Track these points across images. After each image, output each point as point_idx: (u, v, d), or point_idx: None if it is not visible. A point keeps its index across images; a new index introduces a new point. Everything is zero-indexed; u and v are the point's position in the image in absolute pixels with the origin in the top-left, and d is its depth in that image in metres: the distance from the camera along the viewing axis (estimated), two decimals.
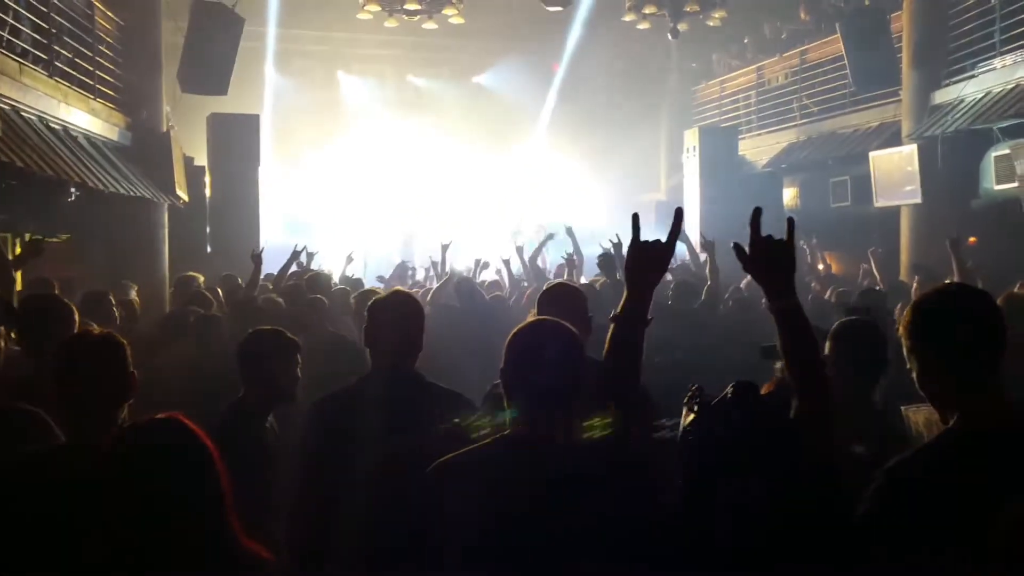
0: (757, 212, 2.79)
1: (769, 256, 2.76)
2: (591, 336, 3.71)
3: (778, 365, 4.03)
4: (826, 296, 9.17)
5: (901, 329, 2.62)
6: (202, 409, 3.41)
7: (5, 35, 9.07)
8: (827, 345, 3.79)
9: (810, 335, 2.73)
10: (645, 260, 2.98)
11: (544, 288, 4.40)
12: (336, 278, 11.24)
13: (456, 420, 3.39)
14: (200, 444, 2.54)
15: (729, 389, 2.67)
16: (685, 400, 2.79)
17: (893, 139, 13.63)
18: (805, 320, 2.74)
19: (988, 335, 2.52)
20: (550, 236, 11.58)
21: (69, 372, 3.16)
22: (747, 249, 2.81)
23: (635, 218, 3.03)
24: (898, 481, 2.46)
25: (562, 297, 4.12)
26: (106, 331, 3.38)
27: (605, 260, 8.36)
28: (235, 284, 9.29)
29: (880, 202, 13.43)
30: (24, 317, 4.45)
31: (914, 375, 2.59)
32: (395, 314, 3.90)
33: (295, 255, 10.05)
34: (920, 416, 2.64)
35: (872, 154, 13.55)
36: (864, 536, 2.45)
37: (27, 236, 9.62)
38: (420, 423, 3.59)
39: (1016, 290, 6.89)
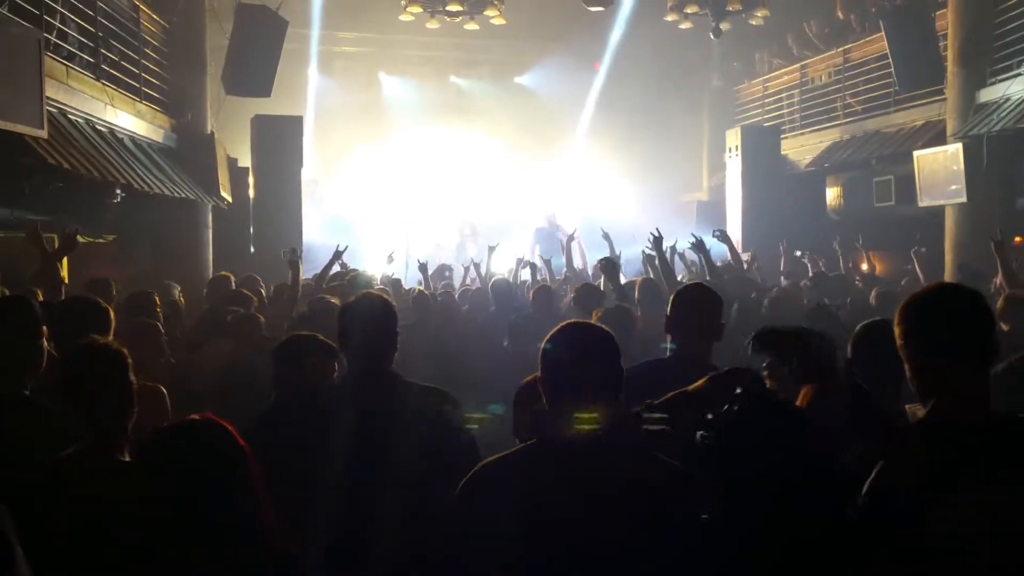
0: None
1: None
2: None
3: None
4: (870, 298, 9.06)
5: (895, 328, 2.68)
6: (238, 407, 3.45)
7: (52, 38, 9.21)
8: (848, 349, 3.79)
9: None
10: None
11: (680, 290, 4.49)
12: (378, 278, 11.30)
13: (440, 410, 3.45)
14: (235, 444, 2.57)
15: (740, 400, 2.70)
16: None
17: (938, 138, 13.46)
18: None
19: (972, 333, 2.57)
20: (493, 248, 11.56)
21: (73, 381, 3.25)
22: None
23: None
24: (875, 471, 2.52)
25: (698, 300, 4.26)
26: (107, 340, 3.44)
27: (607, 265, 8.28)
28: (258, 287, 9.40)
29: (925, 202, 13.28)
30: (60, 318, 4.51)
31: (907, 372, 2.65)
32: (366, 316, 3.95)
33: (337, 255, 10.10)
34: (923, 414, 2.71)
35: (916, 153, 13.40)
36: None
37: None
38: (398, 421, 3.65)
39: None
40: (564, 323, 2.99)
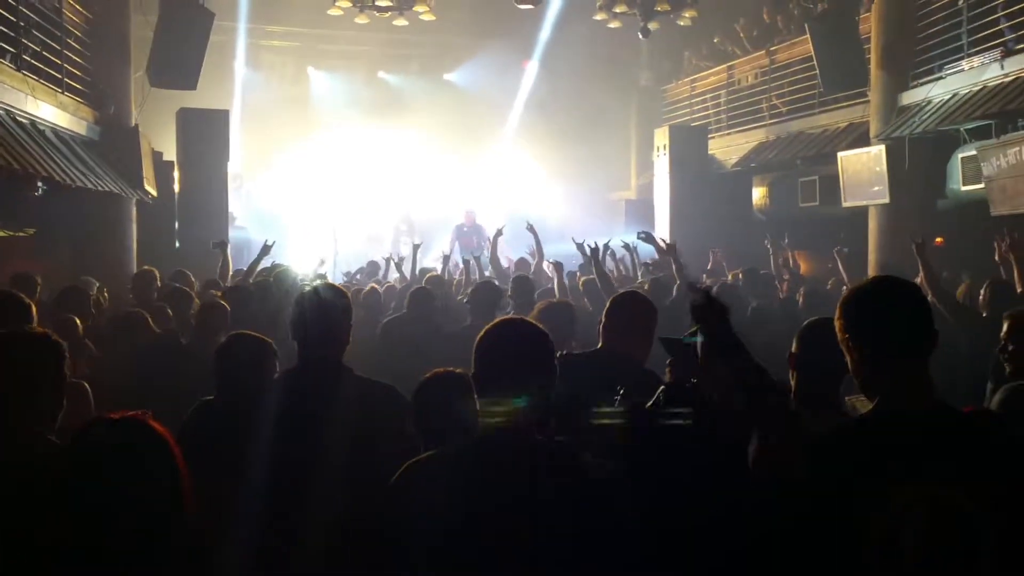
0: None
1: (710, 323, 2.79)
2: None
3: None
4: (798, 297, 9.21)
5: (835, 322, 2.72)
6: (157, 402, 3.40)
7: None
8: (793, 344, 3.83)
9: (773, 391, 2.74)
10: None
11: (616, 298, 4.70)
12: (308, 275, 11.18)
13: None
14: (162, 442, 2.52)
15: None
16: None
17: (861, 140, 13.74)
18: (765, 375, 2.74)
19: (913, 327, 2.63)
20: (417, 246, 11.59)
21: (7, 368, 3.17)
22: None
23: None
24: (811, 455, 2.58)
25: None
26: (42, 330, 3.37)
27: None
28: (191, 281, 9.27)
29: (848, 202, 13.53)
30: None
31: (849, 365, 2.70)
32: (321, 307, 3.95)
33: (265, 250, 10.00)
34: (865, 405, 2.76)
35: (840, 154, 13.65)
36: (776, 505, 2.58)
37: None
38: (348, 412, 3.68)
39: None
40: (499, 319, 3.00)
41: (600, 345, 4.51)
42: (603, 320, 4.52)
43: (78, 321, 6.20)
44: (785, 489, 2.58)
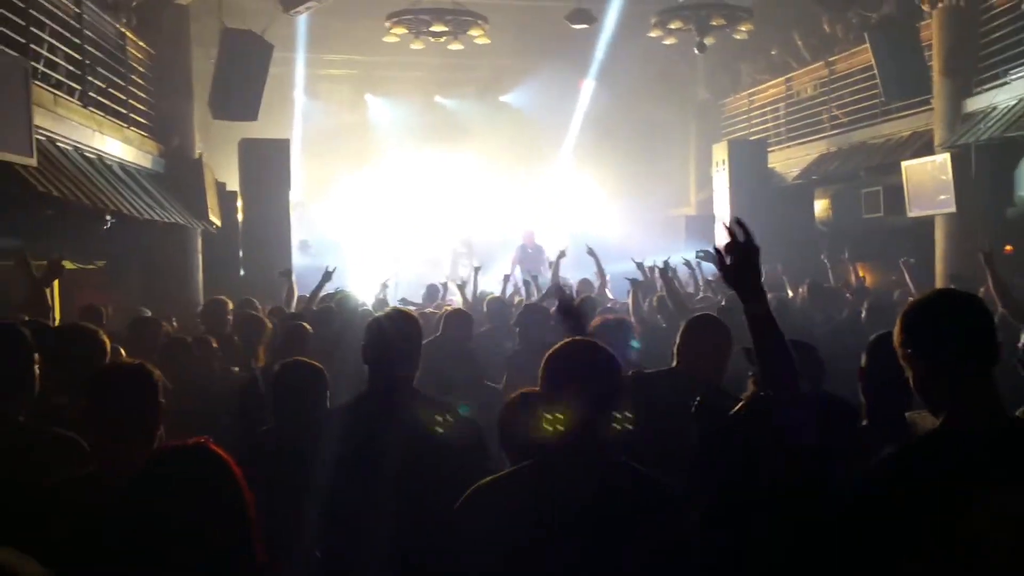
0: (736, 221, 3.00)
1: (740, 262, 2.95)
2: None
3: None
4: (862, 311, 9.07)
5: (895, 336, 2.67)
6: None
7: (40, 67, 9.19)
8: (862, 359, 3.78)
9: (778, 335, 2.93)
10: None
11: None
12: (370, 301, 11.24)
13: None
14: (227, 471, 2.53)
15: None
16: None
17: (925, 148, 13.53)
18: (774, 323, 2.96)
19: (975, 340, 2.57)
20: (478, 268, 11.59)
21: (99, 402, 3.20)
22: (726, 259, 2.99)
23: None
24: (874, 476, 2.57)
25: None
26: (138, 361, 3.40)
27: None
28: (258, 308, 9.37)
29: (913, 212, 13.33)
30: (56, 347, 4.48)
31: (911, 381, 2.65)
32: (394, 332, 3.96)
33: (327, 276, 10.08)
34: (927, 421, 2.70)
35: (904, 164, 13.45)
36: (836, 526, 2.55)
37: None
38: (400, 436, 3.68)
39: None
40: (567, 340, 2.97)
41: (675, 364, 4.56)
42: (678, 340, 4.59)
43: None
44: (851, 508, 2.54)
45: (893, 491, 2.48)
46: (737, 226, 2.99)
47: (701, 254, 10.52)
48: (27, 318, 5.53)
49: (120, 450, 3.12)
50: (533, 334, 6.71)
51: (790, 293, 10.34)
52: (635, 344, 5.92)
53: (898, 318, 2.70)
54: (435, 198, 22.19)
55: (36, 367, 3.99)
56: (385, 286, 12.47)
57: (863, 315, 8.16)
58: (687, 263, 11.07)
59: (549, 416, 2.81)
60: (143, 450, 3.16)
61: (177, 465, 2.51)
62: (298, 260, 16.79)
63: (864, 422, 3.66)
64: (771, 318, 2.93)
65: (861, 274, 12.16)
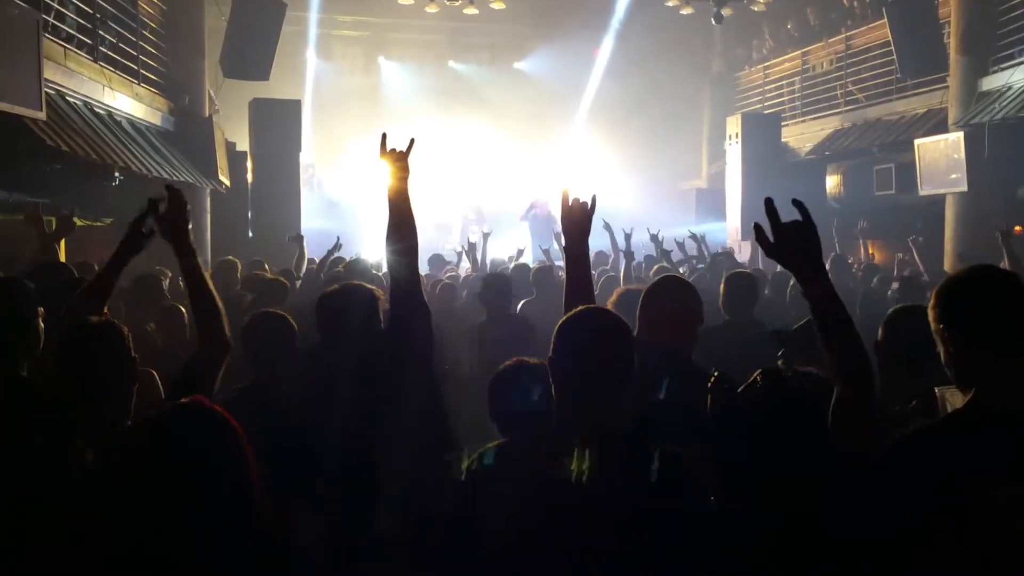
0: (769, 201, 2.72)
1: (793, 242, 2.68)
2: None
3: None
4: (872, 285, 9.03)
5: (930, 311, 2.60)
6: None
7: (51, 20, 9.14)
8: (879, 332, 3.72)
9: (845, 318, 2.62)
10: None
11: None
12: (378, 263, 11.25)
13: None
14: (229, 428, 2.52)
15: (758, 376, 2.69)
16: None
17: (939, 127, 13.42)
18: (840, 304, 2.63)
19: (1014, 318, 2.49)
20: (487, 234, 11.54)
21: (67, 362, 3.22)
22: (770, 237, 2.72)
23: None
24: (900, 451, 2.50)
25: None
26: (105, 318, 3.41)
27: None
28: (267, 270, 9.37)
29: (925, 190, 13.23)
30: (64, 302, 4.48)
31: (942, 356, 2.57)
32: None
33: (336, 247, 10.12)
34: (957, 398, 2.64)
35: (918, 141, 13.35)
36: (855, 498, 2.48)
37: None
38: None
39: None
40: (580, 309, 2.92)
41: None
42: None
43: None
44: (869, 485, 2.50)
45: (922, 467, 2.43)
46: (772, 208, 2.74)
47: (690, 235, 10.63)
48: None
49: (92, 409, 3.12)
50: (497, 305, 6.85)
51: None
52: None
53: (934, 292, 2.64)
54: (446, 164, 22.12)
55: (39, 321, 3.99)
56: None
57: (891, 290, 8.09)
58: (693, 236, 11.02)
59: (555, 382, 2.78)
60: (118, 409, 3.18)
61: (178, 423, 2.50)
62: (312, 223, 16.80)
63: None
64: (838, 302, 2.65)
65: (871, 251, 12.14)
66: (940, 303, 2.57)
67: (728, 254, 11.30)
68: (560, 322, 2.85)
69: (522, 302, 7.66)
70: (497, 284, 7.14)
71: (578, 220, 3.68)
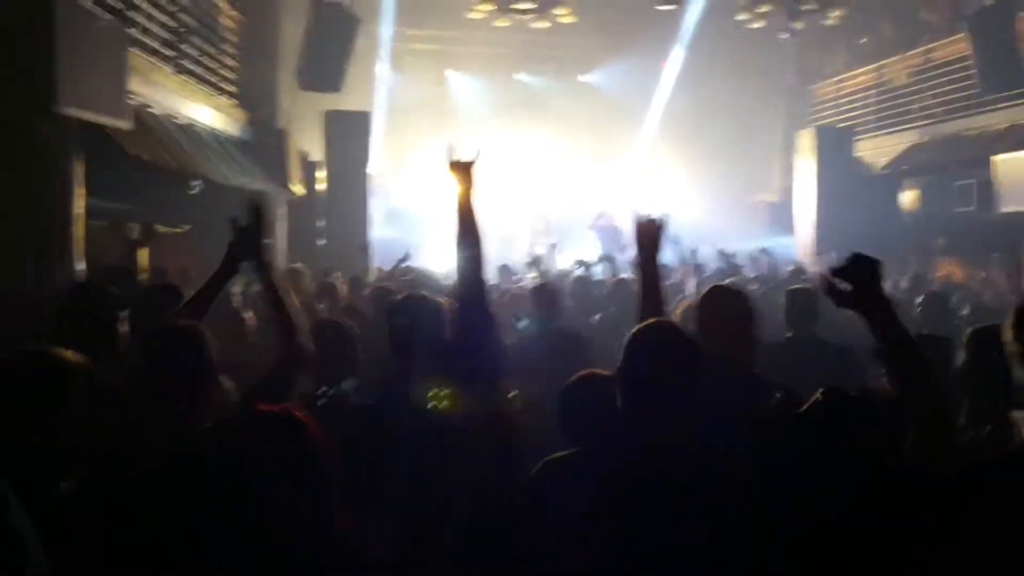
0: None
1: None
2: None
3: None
4: (950, 304, 8.84)
5: (1009, 333, 2.52)
6: None
7: (136, 34, 9.33)
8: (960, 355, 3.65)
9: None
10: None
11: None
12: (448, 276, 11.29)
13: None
14: (311, 438, 2.52)
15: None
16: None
17: (1022, 142, 13.13)
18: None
19: None
20: (554, 245, 11.49)
21: (152, 361, 3.26)
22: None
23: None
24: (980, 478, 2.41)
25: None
26: (189, 322, 3.44)
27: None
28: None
29: (1006, 207, 12.95)
30: (140, 305, 4.55)
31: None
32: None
33: (406, 256, 10.23)
34: None
35: (996, 158, 13.08)
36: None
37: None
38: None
39: None
40: (649, 322, 2.96)
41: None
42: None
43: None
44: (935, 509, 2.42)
45: (998, 493, 2.35)
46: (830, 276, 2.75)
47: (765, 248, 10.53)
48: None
49: (174, 409, 3.14)
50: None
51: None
52: None
53: (1012, 312, 2.58)
54: (513, 175, 22.16)
55: (121, 325, 4.08)
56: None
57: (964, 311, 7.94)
58: (764, 251, 10.85)
59: (621, 393, 2.81)
60: (199, 409, 3.20)
61: (262, 430, 2.51)
62: (381, 232, 16.94)
63: (961, 420, 3.54)
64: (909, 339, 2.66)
65: (950, 269, 11.90)
66: (1018, 323, 2.50)
67: (799, 271, 11.16)
68: (629, 335, 2.88)
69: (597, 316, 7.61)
70: (544, 296, 6.85)
71: (650, 236, 3.73)
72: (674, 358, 2.78)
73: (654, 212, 3.80)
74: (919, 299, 7.38)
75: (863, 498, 2.41)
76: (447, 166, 3.94)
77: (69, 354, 2.75)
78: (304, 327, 3.69)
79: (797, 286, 6.69)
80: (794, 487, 2.61)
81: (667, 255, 11.07)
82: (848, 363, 5.06)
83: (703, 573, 2.55)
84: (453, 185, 3.89)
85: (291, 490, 2.43)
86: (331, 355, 4.40)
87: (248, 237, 3.71)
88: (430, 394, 3.54)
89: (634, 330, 2.89)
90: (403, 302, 4.04)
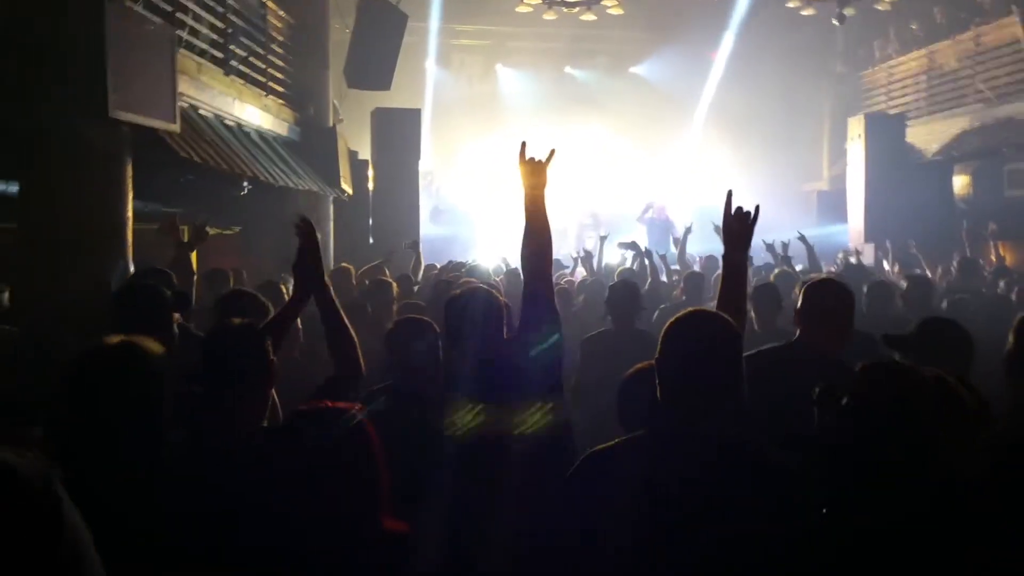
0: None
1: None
2: None
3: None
4: (999, 289, 8.74)
5: None
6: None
7: (185, 35, 9.48)
8: (1009, 339, 3.57)
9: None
10: None
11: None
12: (493, 269, 11.37)
13: None
14: (367, 437, 2.60)
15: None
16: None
17: None
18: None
19: None
20: (604, 238, 11.40)
21: (210, 360, 3.24)
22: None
23: None
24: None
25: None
26: (245, 321, 3.42)
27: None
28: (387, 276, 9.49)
29: None
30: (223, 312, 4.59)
31: None
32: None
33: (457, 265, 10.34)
34: None
35: None
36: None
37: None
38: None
39: None
40: (688, 311, 2.90)
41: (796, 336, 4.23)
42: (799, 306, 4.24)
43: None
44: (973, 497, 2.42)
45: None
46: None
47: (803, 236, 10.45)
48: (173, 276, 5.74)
49: (232, 409, 3.20)
50: (621, 314, 6.33)
51: (928, 272, 10.00)
52: None
53: None
54: (562, 169, 22.12)
55: (174, 327, 4.18)
56: (506, 259, 12.54)
57: (1014, 298, 7.83)
58: (801, 237, 10.68)
59: (660, 385, 2.78)
60: (258, 409, 3.26)
61: (319, 425, 2.59)
62: (429, 229, 17.07)
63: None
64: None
65: (1002, 253, 11.73)
66: None
67: (858, 266, 11.07)
68: (667, 324, 2.84)
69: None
70: (624, 292, 6.56)
71: (739, 230, 3.71)
72: (711, 349, 2.74)
73: (745, 205, 3.82)
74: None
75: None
76: (519, 164, 3.98)
77: (151, 344, 2.80)
78: (357, 345, 3.74)
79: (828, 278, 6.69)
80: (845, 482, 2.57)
81: (711, 246, 11.09)
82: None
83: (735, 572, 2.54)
84: (524, 183, 3.94)
85: (347, 487, 2.52)
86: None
87: (305, 267, 3.76)
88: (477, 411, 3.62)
89: (672, 319, 2.85)
90: (463, 294, 4.06)
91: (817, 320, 4.08)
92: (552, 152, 4.03)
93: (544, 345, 3.81)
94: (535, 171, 3.99)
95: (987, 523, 2.31)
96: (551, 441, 3.70)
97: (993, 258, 11.60)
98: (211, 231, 8.40)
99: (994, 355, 3.67)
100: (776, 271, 8.88)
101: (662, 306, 7.72)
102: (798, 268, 9.79)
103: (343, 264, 9.98)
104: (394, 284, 7.85)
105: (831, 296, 4.14)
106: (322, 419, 2.63)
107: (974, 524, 2.33)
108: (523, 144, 4.05)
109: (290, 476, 2.58)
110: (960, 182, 15.92)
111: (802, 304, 4.16)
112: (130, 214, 7.10)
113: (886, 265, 12.06)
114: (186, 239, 7.04)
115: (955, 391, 2.45)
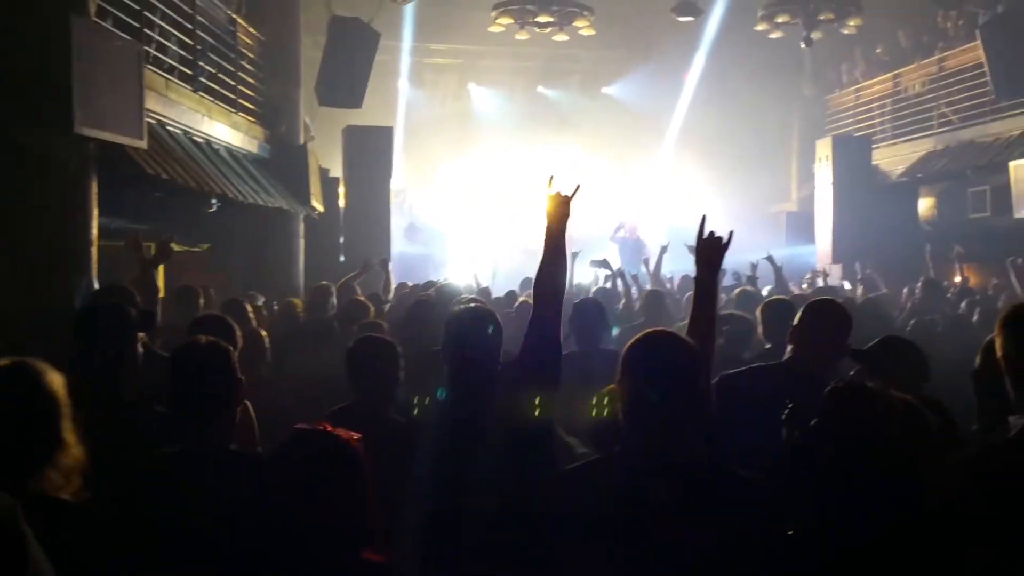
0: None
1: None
2: None
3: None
4: (960, 310, 8.84)
5: (996, 338, 2.59)
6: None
7: (152, 51, 9.47)
8: (977, 358, 3.62)
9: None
10: None
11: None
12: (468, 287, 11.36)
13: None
14: (356, 456, 2.59)
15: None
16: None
17: None
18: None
19: None
20: (575, 254, 11.44)
21: (178, 379, 3.25)
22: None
23: None
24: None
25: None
26: (212, 339, 3.42)
27: None
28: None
29: (1021, 213, 12.93)
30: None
31: (1008, 384, 2.56)
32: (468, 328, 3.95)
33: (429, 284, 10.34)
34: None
35: (1012, 163, 13.07)
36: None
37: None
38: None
39: None
40: (646, 332, 2.92)
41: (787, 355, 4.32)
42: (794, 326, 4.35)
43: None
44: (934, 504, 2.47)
45: (978, 489, 2.42)
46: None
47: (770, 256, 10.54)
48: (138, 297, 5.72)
49: (201, 426, 3.20)
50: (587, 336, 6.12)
51: (886, 291, 10.12)
52: None
53: (998, 320, 2.62)
54: (535, 188, 22.16)
55: (138, 345, 4.16)
56: (494, 274, 12.58)
57: (969, 314, 7.94)
58: (769, 258, 10.77)
59: (622, 407, 2.80)
60: (226, 427, 3.26)
61: (311, 447, 2.59)
62: (403, 247, 17.07)
63: (974, 426, 3.54)
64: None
65: (966, 274, 11.86)
66: (1003, 331, 2.57)
67: (828, 288, 11.19)
68: (627, 345, 2.85)
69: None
70: (592, 310, 6.38)
71: (711, 253, 3.75)
72: (672, 370, 2.76)
73: (717, 230, 3.86)
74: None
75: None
76: (548, 196, 4.14)
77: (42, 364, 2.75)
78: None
79: (777, 297, 6.82)
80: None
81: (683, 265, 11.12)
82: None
83: None
84: (550, 215, 4.06)
85: (324, 517, 2.50)
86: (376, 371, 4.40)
87: None
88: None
89: (632, 340, 2.86)
90: (466, 312, 4.12)
91: (812, 339, 4.18)
92: (577, 187, 4.11)
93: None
94: (561, 204, 4.09)
95: (965, 531, 2.37)
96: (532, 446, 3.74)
97: (957, 279, 11.73)
98: (176, 248, 8.39)
99: (956, 374, 3.80)
100: (737, 290, 8.96)
101: (623, 327, 7.73)
102: (765, 290, 9.88)
103: (323, 283, 9.98)
104: (370, 306, 7.84)
105: (830, 317, 4.26)
106: (310, 445, 2.61)
107: (946, 536, 2.38)
108: (551, 178, 4.17)
109: (256, 503, 2.59)
110: (925, 204, 16.12)
111: (799, 323, 4.27)
112: (96, 231, 7.08)
113: (847, 285, 12.20)
114: (152, 255, 7.01)
115: (920, 414, 2.49)
